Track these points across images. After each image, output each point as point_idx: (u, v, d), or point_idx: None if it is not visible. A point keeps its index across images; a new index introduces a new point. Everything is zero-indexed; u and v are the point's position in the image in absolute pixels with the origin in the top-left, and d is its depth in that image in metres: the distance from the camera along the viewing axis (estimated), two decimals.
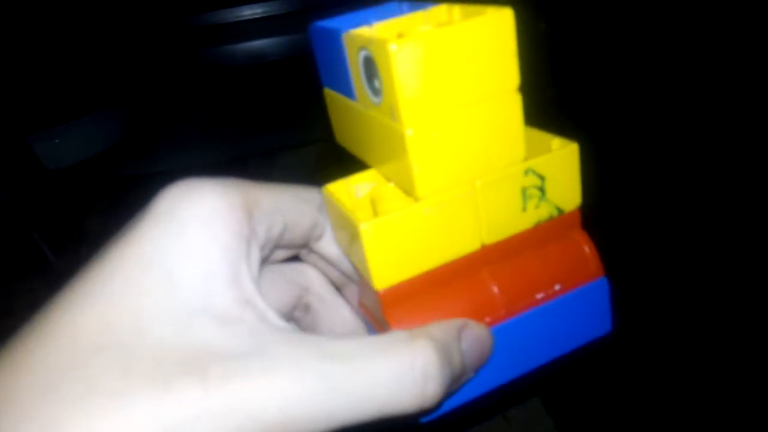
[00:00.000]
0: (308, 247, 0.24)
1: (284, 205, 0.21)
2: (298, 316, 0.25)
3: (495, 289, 0.22)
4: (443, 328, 0.19)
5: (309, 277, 0.25)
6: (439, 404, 0.19)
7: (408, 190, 0.20)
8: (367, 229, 0.19)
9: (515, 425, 0.59)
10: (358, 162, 0.23)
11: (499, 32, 0.18)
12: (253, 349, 0.16)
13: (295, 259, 0.25)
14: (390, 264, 0.20)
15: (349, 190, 0.23)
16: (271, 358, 0.16)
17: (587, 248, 0.23)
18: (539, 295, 0.22)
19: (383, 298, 0.21)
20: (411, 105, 0.18)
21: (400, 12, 0.23)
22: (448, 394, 0.20)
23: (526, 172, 0.21)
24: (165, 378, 0.15)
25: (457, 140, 0.19)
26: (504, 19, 0.18)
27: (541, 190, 0.21)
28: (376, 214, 0.22)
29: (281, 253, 0.24)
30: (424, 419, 0.21)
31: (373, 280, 0.20)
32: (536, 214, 0.22)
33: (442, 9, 0.21)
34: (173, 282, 0.17)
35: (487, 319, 0.21)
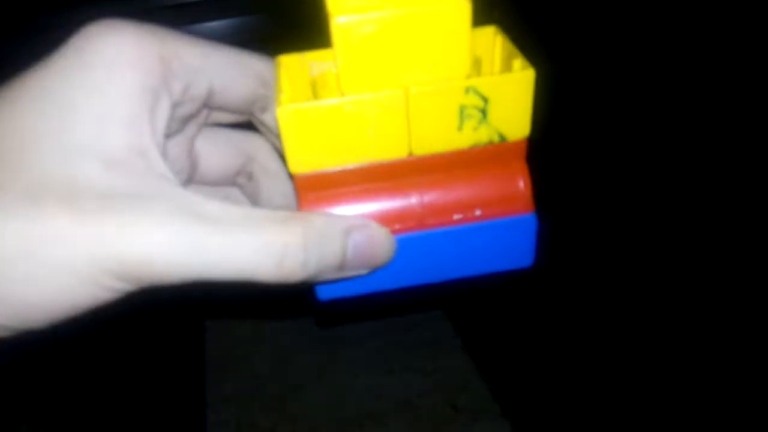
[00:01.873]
0: (253, 116, 0.24)
1: (214, 67, 0.21)
2: (242, 183, 0.26)
3: (412, 200, 0.22)
4: (329, 220, 0.20)
5: (256, 145, 0.25)
6: (324, 282, 0.21)
7: (337, 82, 0.19)
8: (284, 112, 0.19)
9: (462, 414, 0.61)
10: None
11: None
12: (131, 192, 0.17)
13: (249, 126, 0.25)
14: (307, 152, 0.20)
15: (303, 67, 0.23)
16: (145, 203, 0.17)
17: (522, 181, 0.22)
18: (456, 216, 0.22)
19: (298, 181, 0.21)
20: None
21: None
22: (335, 280, 0.21)
23: (467, 90, 0.20)
24: (39, 199, 0.16)
25: (392, 40, 0.18)
26: None
27: (483, 112, 0.20)
28: (315, 98, 0.22)
29: (224, 116, 0.24)
30: (321, 296, 0.22)
31: (288, 163, 0.20)
32: (473, 135, 0.21)
33: None
34: (69, 115, 0.17)
35: (396, 226, 0.22)
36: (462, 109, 0.20)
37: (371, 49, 0.18)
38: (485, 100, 0.20)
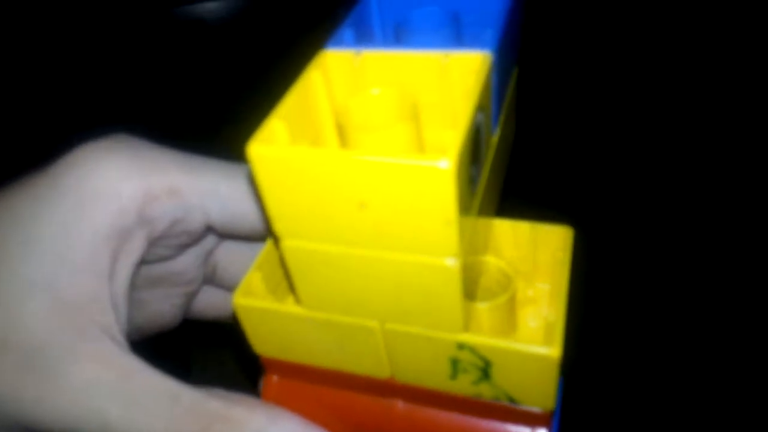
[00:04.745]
0: None
1: (216, 203, 0.18)
2: None
3: (390, 426, 0.17)
4: (263, 427, 0.16)
5: None
6: None
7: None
8: (239, 305, 0.16)
9: None
10: None
11: (430, 185, 0.11)
12: (63, 345, 0.16)
13: None
14: (270, 342, 0.17)
15: None
16: (69, 364, 0.16)
17: None
18: None
19: (264, 362, 0.18)
20: (286, 218, 0.13)
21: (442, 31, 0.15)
22: None
23: (460, 346, 0.14)
24: None
25: (357, 275, 0.14)
26: (437, 175, 0.11)
27: (484, 371, 0.15)
28: None
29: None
30: None
31: (252, 345, 0.18)
32: (473, 388, 0.16)
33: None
34: (30, 249, 0.17)
35: None
36: (454, 361, 0.15)
37: (332, 278, 0.14)
38: (486, 362, 0.15)
